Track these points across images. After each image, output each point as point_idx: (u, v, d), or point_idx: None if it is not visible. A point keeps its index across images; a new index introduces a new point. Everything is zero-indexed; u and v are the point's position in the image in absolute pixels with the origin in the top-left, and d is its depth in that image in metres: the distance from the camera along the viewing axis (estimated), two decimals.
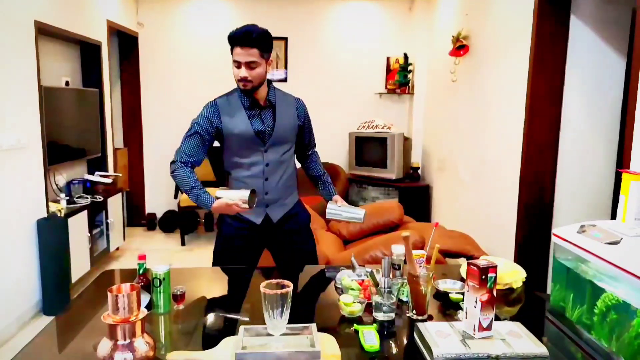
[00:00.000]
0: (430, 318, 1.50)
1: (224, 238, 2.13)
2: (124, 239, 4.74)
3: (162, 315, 1.51)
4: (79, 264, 3.69)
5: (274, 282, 1.26)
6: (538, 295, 1.75)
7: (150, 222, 5.50)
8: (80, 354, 1.31)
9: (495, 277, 1.30)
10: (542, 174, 2.97)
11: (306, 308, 1.63)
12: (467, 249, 2.80)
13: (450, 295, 1.62)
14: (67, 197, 3.84)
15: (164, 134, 5.32)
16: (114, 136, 4.90)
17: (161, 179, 5.38)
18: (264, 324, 1.26)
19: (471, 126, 3.93)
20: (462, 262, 2.22)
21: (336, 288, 1.70)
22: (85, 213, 3.80)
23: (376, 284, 1.49)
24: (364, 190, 5.12)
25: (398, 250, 1.72)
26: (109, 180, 4.38)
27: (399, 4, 5.46)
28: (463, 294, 1.43)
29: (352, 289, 1.57)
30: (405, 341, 1.38)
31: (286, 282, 1.26)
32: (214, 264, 2.13)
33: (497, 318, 1.36)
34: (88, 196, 4.04)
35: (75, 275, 3.59)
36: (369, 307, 1.51)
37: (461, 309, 1.52)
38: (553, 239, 1.55)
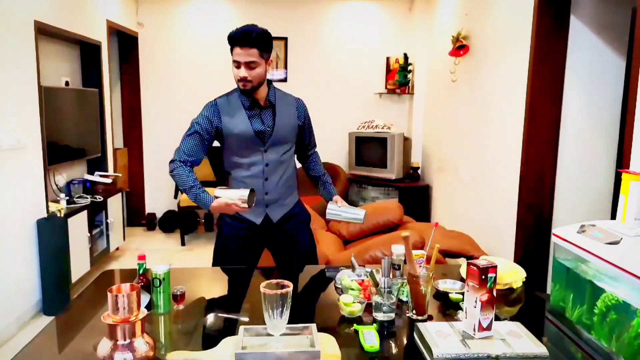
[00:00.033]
0: (430, 318, 1.50)
1: (224, 238, 2.13)
2: (124, 239, 4.74)
3: (162, 315, 1.51)
4: (79, 264, 3.69)
5: (274, 282, 1.26)
6: (538, 295, 1.75)
7: (150, 222, 5.50)
8: (80, 354, 1.31)
9: (495, 277, 1.30)
10: (542, 174, 2.97)
11: (306, 308, 1.63)
12: (467, 249, 2.80)
13: (450, 295, 1.62)
14: (67, 197, 3.84)
15: (164, 134, 5.32)
16: (114, 136, 4.90)
17: (161, 179, 5.38)
18: (264, 324, 1.26)
19: (471, 126, 3.93)
20: (462, 262, 2.22)
21: (336, 288, 1.70)
22: (85, 213, 3.80)
23: (376, 284, 1.49)
24: (364, 190, 5.12)
25: (398, 250, 1.72)
26: (108, 180, 4.38)
27: (399, 4, 5.46)
28: (463, 294, 1.43)
29: (352, 289, 1.57)
30: (405, 341, 1.38)
31: (286, 282, 1.26)
32: (214, 264, 2.13)
33: (497, 318, 1.36)
34: (88, 196, 4.04)
35: (75, 275, 3.59)
36: (369, 307, 1.51)
37: (461, 309, 1.52)
38: (553, 239, 1.55)
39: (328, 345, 1.25)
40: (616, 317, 1.23)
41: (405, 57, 5.30)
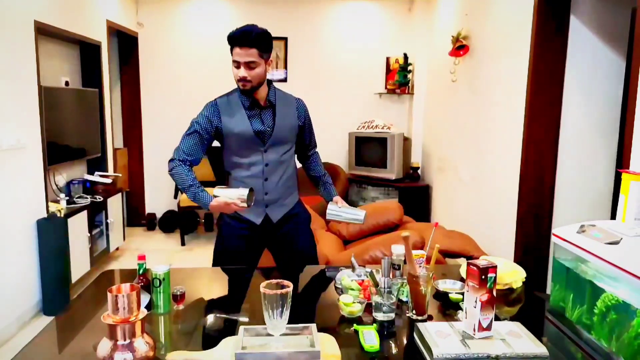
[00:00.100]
0: (430, 318, 1.50)
1: (224, 238, 2.13)
2: (124, 239, 4.74)
3: (162, 316, 1.51)
4: (79, 264, 3.69)
5: (273, 282, 1.26)
6: (538, 295, 1.75)
7: (150, 222, 5.50)
8: (80, 354, 1.31)
9: (495, 277, 1.30)
10: (542, 174, 2.97)
11: (306, 308, 1.63)
12: (467, 249, 2.80)
13: (450, 295, 1.62)
14: (67, 197, 3.84)
15: (164, 134, 5.32)
16: (114, 136, 4.90)
17: (161, 179, 5.38)
18: (264, 324, 1.26)
19: (471, 126, 3.93)
20: (462, 262, 2.22)
21: (336, 288, 1.70)
22: (85, 213, 3.80)
23: (376, 284, 1.49)
24: (364, 190, 5.12)
25: (398, 250, 1.72)
26: (108, 181, 4.38)
27: (399, 4, 5.46)
28: (463, 294, 1.43)
29: (352, 289, 1.57)
30: (405, 341, 1.38)
31: (286, 282, 1.26)
32: (214, 264, 2.13)
33: (497, 318, 1.36)
34: (88, 196, 4.04)
35: (75, 275, 3.59)
36: (368, 307, 1.51)
37: (461, 309, 1.52)
38: (553, 239, 1.55)
39: (328, 345, 1.25)
40: (616, 317, 1.23)
41: (405, 57, 5.30)
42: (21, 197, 3.17)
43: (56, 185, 3.90)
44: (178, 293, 1.55)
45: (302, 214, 2.21)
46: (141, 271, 1.55)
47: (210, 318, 1.56)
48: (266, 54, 1.93)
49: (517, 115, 3.07)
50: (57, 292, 3.34)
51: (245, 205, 1.85)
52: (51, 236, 3.33)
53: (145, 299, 1.45)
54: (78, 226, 3.67)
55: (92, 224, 3.96)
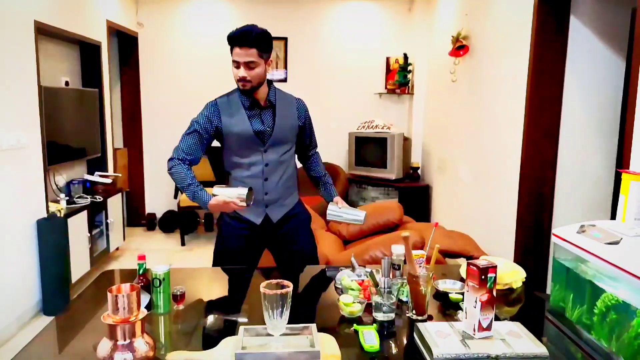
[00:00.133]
0: (430, 318, 1.50)
1: (224, 238, 2.13)
2: (124, 239, 4.74)
3: (162, 316, 1.51)
4: (79, 264, 3.69)
5: (273, 282, 1.26)
6: (538, 295, 1.75)
7: (150, 222, 5.50)
8: (80, 354, 1.31)
9: (495, 277, 1.30)
10: (542, 173, 2.97)
11: (306, 308, 1.63)
12: (467, 249, 2.80)
13: (450, 295, 1.62)
14: (67, 197, 3.84)
15: (164, 134, 5.32)
16: (114, 136, 4.90)
17: (161, 179, 5.37)
18: (264, 324, 1.26)
19: (471, 126, 3.93)
20: (462, 262, 2.22)
21: (336, 288, 1.70)
22: (85, 213, 3.80)
23: (376, 284, 1.49)
24: (364, 190, 5.12)
25: (398, 250, 1.72)
26: (108, 181, 4.38)
27: (399, 4, 5.46)
28: (463, 294, 1.43)
29: (352, 289, 1.57)
30: (405, 341, 1.38)
31: (286, 282, 1.26)
32: (214, 264, 2.13)
33: (497, 318, 1.36)
34: (88, 196, 4.04)
35: (75, 276, 3.59)
36: (368, 307, 1.51)
37: (461, 309, 1.52)
38: (553, 239, 1.55)
39: (328, 346, 1.25)
40: (616, 317, 1.23)
41: (405, 57, 5.30)
42: (21, 197, 3.17)
43: (56, 185, 3.90)
44: (178, 293, 1.55)
45: (302, 214, 2.21)
46: (141, 271, 1.55)
47: (210, 318, 1.56)
48: (266, 54, 1.93)
49: (517, 115, 3.08)
50: (57, 292, 3.34)
51: (244, 204, 1.85)
52: (51, 236, 3.33)
53: (145, 299, 1.45)
54: (78, 226, 3.67)
55: (92, 224, 3.96)
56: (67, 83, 4.17)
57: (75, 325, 1.49)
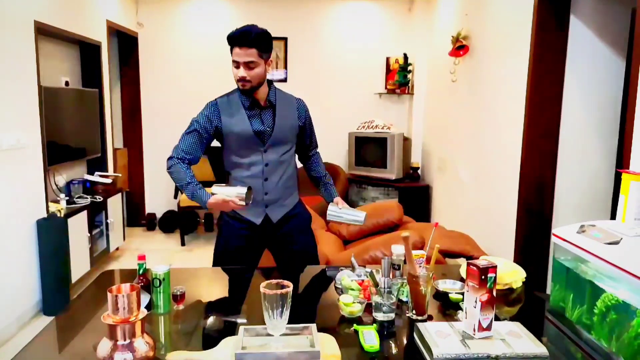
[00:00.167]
0: (430, 318, 1.50)
1: (225, 238, 2.13)
2: (124, 239, 4.74)
3: (162, 316, 1.51)
4: (79, 264, 3.69)
5: (273, 282, 1.26)
6: (538, 295, 1.75)
7: (150, 222, 5.50)
8: (80, 354, 1.31)
9: (495, 277, 1.30)
10: (542, 173, 2.97)
11: (306, 308, 1.63)
12: (467, 249, 2.80)
13: (450, 295, 1.62)
14: (67, 197, 3.84)
15: (164, 134, 5.31)
16: (114, 136, 4.90)
17: (161, 179, 5.36)
18: (264, 324, 1.26)
19: (471, 126, 3.93)
20: (462, 262, 2.22)
21: (336, 288, 1.70)
22: (85, 213, 3.80)
23: (376, 284, 1.49)
24: (364, 190, 5.12)
25: (398, 250, 1.72)
26: (108, 181, 4.38)
27: (399, 4, 5.46)
28: (463, 294, 1.43)
29: (352, 289, 1.57)
30: (405, 341, 1.38)
31: (286, 282, 1.26)
32: (214, 264, 2.13)
33: (497, 318, 1.36)
34: (88, 196, 4.04)
35: (75, 276, 3.59)
36: (368, 307, 1.51)
37: (461, 309, 1.52)
38: (553, 239, 1.55)
39: (328, 346, 1.25)
40: (616, 317, 1.23)
41: (405, 57, 5.30)
42: (21, 197, 3.17)
43: (56, 186, 3.90)
44: (178, 293, 1.55)
45: (303, 214, 2.21)
46: (141, 271, 1.55)
47: (210, 318, 1.55)
48: (266, 54, 1.93)
49: (517, 115, 3.07)
50: (57, 292, 3.34)
51: (243, 203, 1.85)
52: (51, 236, 3.33)
53: (145, 299, 1.45)
54: (78, 226, 3.67)
55: (92, 224, 3.96)
56: (67, 83, 4.17)
57: (75, 325, 1.49)
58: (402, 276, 1.67)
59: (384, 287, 1.47)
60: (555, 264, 1.54)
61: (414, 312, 1.48)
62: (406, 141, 5.02)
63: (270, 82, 2.05)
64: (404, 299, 1.57)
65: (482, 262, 1.31)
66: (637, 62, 1.97)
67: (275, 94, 2.06)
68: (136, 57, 5.35)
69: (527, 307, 1.66)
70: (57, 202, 3.68)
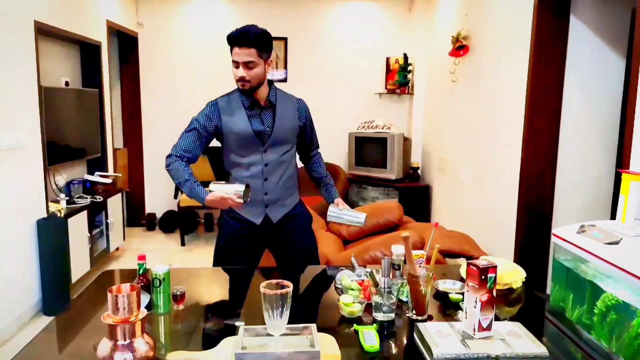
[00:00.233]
0: (430, 318, 1.50)
1: (225, 238, 2.13)
2: (124, 239, 4.74)
3: (162, 316, 1.51)
4: (79, 264, 3.68)
5: (273, 282, 1.26)
6: (538, 295, 1.75)
7: (150, 222, 5.50)
8: (80, 354, 1.31)
9: (495, 277, 1.30)
10: (542, 174, 2.97)
11: (306, 308, 1.63)
12: (467, 249, 2.80)
13: (450, 295, 1.62)
14: (67, 197, 3.84)
15: (164, 134, 5.30)
16: (114, 136, 4.90)
17: (161, 179, 5.36)
18: (264, 324, 1.26)
19: (471, 126, 3.93)
20: (462, 262, 2.22)
21: (336, 288, 1.70)
22: (85, 213, 3.80)
23: (376, 284, 1.49)
24: (364, 190, 5.12)
25: (398, 250, 1.72)
26: (108, 181, 4.38)
27: (399, 4, 5.47)
28: (463, 294, 1.43)
29: (352, 289, 1.57)
30: (405, 341, 1.38)
31: (286, 282, 1.26)
32: (214, 264, 2.13)
33: (497, 318, 1.36)
34: (88, 196, 4.04)
35: (75, 276, 3.59)
36: (368, 307, 1.51)
37: (461, 309, 1.52)
38: (553, 239, 1.55)
39: (328, 346, 1.25)
40: (616, 317, 1.23)
41: (405, 57, 5.30)
42: (21, 197, 3.17)
43: (56, 185, 3.90)
44: (178, 293, 1.55)
45: (303, 215, 2.21)
46: (141, 271, 1.55)
47: (210, 318, 1.55)
48: (265, 54, 1.93)
49: (517, 115, 3.07)
50: (57, 292, 3.34)
51: (241, 201, 1.85)
52: (51, 236, 3.32)
53: (145, 299, 1.45)
54: (78, 226, 3.67)
55: (92, 224, 3.96)
56: (67, 83, 4.17)
57: (75, 325, 1.49)
58: (402, 276, 1.67)
59: (384, 287, 1.47)
60: (555, 264, 1.55)
61: (414, 312, 1.48)
62: (406, 141, 5.02)
63: (270, 82, 2.05)
64: (404, 299, 1.57)
65: (482, 262, 1.31)
66: (637, 62, 1.97)
67: (275, 94, 2.06)
68: (136, 57, 5.35)
69: (527, 307, 1.66)
70: (57, 202, 3.68)
